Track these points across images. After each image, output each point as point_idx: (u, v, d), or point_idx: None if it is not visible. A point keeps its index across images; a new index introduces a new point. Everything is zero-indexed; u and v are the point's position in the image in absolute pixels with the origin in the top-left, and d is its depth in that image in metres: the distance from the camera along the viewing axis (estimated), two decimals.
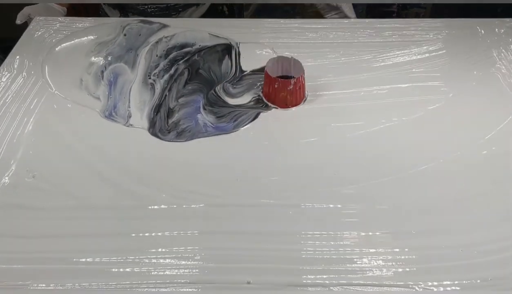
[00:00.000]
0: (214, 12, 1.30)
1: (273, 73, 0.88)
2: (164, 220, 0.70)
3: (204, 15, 1.28)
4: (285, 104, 0.87)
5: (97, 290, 0.61)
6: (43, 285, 0.61)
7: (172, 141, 0.82)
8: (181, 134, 0.83)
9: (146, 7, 1.21)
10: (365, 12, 2.26)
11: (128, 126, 0.85)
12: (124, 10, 1.25)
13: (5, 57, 0.99)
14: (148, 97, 0.91)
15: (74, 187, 0.74)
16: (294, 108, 0.87)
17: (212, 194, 0.73)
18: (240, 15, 1.39)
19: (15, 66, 0.98)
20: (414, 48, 1.01)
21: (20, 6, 1.16)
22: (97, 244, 0.66)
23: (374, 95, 0.91)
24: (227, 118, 0.86)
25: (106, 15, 1.29)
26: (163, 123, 0.85)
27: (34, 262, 0.64)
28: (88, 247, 0.66)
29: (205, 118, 0.86)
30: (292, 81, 0.85)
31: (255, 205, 0.72)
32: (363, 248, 0.65)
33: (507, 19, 1.08)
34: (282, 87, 0.85)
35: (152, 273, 0.63)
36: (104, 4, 1.28)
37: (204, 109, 0.88)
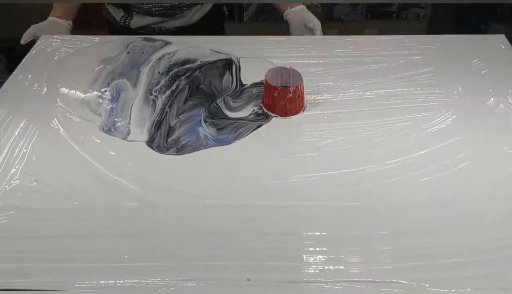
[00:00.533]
0: (216, 12, 1.32)
1: (273, 84, 0.90)
2: (165, 221, 0.71)
3: (206, 15, 1.30)
4: (285, 112, 0.89)
5: (103, 288, 0.62)
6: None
7: (172, 155, 0.83)
8: (182, 149, 0.84)
9: (151, 6, 1.23)
10: (365, 12, 2.29)
11: (126, 141, 0.86)
12: (128, 10, 1.26)
13: (5, 58, 1.00)
14: (148, 113, 0.92)
15: (74, 190, 0.76)
16: (293, 117, 0.89)
17: (212, 196, 0.74)
18: (240, 16, 1.42)
19: (22, 79, 1.01)
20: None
21: (19, 6, 1.15)
22: (100, 245, 0.67)
23: (373, 102, 0.93)
24: (228, 130, 0.87)
25: (110, 15, 1.31)
26: (162, 141, 0.85)
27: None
28: (91, 247, 0.67)
29: (205, 130, 0.87)
30: (291, 89, 0.87)
31: (255, 206, 0.73)
32: (363, 246, 0.66)
33: (499, 35, 1.11)
34: (281, 96, 0.87)
35: (154, 270, 0.63)
36: (108, 4, 1.29)
37: (205, 121, 0.90)
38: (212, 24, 1.35)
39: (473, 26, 1.98)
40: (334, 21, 2.38)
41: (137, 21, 1.27)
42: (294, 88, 0.87)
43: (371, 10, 2.32)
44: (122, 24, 1.28)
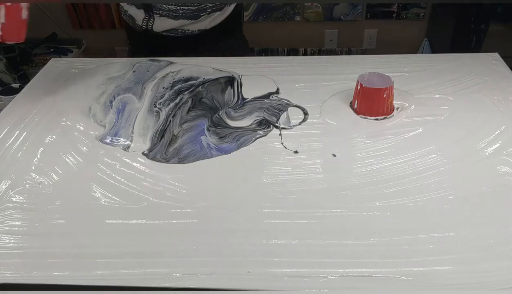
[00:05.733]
0: (234, 16, 1.32)
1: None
2: (167, 219, 0.72)
3: (227, 19, 1.30)
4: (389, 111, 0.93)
5: (111, 279, 0.63)
6: None
7: (175, 163, 0.85)
8: (184, 159, 0.85)
9: (178, 8, 1.20)
10: (365, 12, 2.31)
11: (126, 151, 0.88)
12: (150, 11, 1.23)
13: (5, 58, 1.02)
14: (152, 123, 0.95)
15: (76, 192, 0.78)
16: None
17: (213, 197, 0.76)
18: (240, 15, 1.43)
19: (31, 94, 1.05)
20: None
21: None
22: (102, 242, 0.69)
23: None
24: (230, 138, 0.89)
25: (130, 17, 1.28)
26: (161, 153, 0.87)
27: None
28: (95, 243, 0.69)
29: (208, 139, 0.89)
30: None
31: (255, 206, 0.73)
32: (363, 240, 0.66)
33: (494, 54, 1.14)
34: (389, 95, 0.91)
35: (161, 265, 0.65)
36: (127, 5, 1.27)
37: (208, 130, 0.92)
38: (231, 27, 1.34)
39: (473, 26, 2.00)
40: (334, 21, 2.43)
41: (160, 24, 1.24)
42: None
43: (371, 10, 2.36)
44: (144, 27, 1.26)
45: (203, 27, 1.26)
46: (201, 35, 1.28)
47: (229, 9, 1.30)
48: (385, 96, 0.91)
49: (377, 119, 0.92)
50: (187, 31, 1.27)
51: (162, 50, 1.21)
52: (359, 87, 0.93)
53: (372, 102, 0.92)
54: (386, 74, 0.93)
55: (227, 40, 1.33)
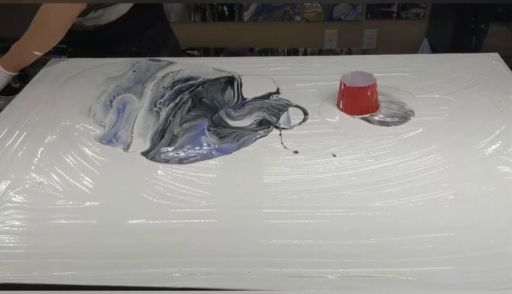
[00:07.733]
0: (139, 15, 1.29)
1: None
2: (167, 219, 0.72)
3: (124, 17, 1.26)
4: (373, 108, 0.93)
5: (115, 279, 0.63)
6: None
7: (175, 163, 0.85)
8: (185, 159, 0.85)
9: None
10: (365, 12, 2.30)
11: (126, 151, 0.88)
12: None
13: None
14: (152, 122, 0.95)
15: (75, 192, 0.78)
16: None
17: (213, 197, 0.75)
18: (240, 16, 1.41)
19: (31, 93, 1.05)
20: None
21: (19, 6, 1.12)
22: (102, 242, 0.69)
23: None
24: (230, 138, 0.89)
25: None
26: (161, 153, 0.86)
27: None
28: (95, 243, 0.69)
29: (208, 139, 0.89)
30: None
31: (255, 206, 0.73)
32: (363, 240, 0.66)
33: (494, 54, 1.14)
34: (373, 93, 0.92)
35: (161, 264, 0.64)
36: None
37: (208, 130, 0.91)
38: (130, 26, 1.29)
39: (473, 26, 2.00)
40: (334, 21, 2.42)
41: None
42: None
43: (371, 10, 2.36)
44: None
45: (96, 22, 1.23)
46: (97, 31, 1.24)
47: (124, 7, 1.25)
48: (369, 94, 0.91)
49: (364, 117, 0.93)
50: (84, 26, 1.24)
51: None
52: (342, 87, 0.93)
53: (357, 101, 0.92)
54: (369, 72, 0.94)
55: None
